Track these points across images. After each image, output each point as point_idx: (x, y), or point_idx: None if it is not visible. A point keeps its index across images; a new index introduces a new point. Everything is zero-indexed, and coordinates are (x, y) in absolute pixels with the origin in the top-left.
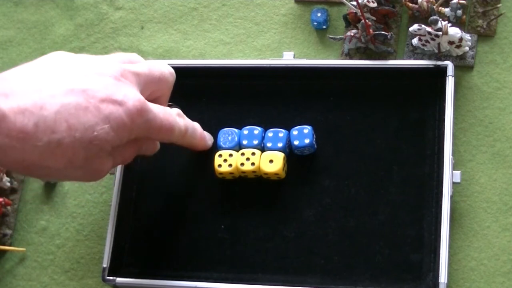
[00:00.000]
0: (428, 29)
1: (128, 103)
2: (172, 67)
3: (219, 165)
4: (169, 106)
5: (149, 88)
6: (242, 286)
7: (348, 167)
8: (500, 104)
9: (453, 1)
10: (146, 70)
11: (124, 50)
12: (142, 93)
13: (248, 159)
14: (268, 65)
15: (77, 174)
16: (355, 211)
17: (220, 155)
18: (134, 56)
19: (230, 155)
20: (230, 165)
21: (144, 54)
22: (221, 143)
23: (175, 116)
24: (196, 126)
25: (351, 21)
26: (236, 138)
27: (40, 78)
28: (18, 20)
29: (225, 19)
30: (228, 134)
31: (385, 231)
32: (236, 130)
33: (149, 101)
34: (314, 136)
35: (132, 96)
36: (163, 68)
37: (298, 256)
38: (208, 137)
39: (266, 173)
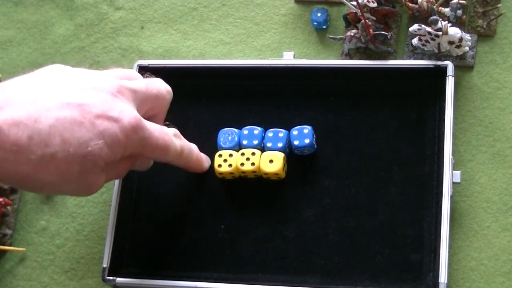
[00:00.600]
0: (428, 29)
1: (124, 120)
2: (172, 67)
3: (219, 165)
4: (166, 125)
5: (146, 105)
6: (242, 286)
7: (348, 167)
8: (500, 104)
9: (453, 1)
10: (143, 87)
11: (124, 50)
12: (138, 110)
13: (248, 159)
14: (268, 65)
15: (70, 188)
16: (355, 211)
17: (220, 155)
18: (132, 72)
19: (230, 155)
20: (230, 165)
21: (144, 54)
22: (221, 143)
23: (171, 136)
24: (193, 147)
25: (351, 21)
26: (236, 138)
27: (36, 90)
28: (18, 20)
29: (225, 19)
30: (228, 134)
31: (385, 231)
32: (236, 130)
33: (146, 118)
34: (314, 136)
35: (128, 113)
36: (160, 85)
37: (298, 256)
38: (205, 159)
39: (266, 173)
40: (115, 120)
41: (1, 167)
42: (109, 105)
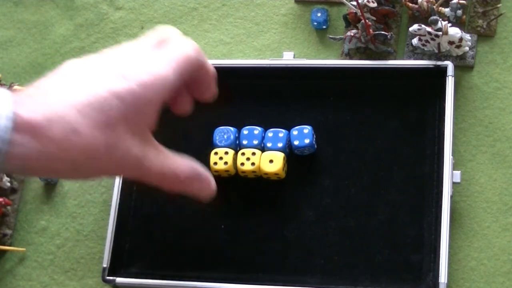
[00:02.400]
0: (428, 29)
1: (131, 72)
2: None
3: (215, 163)
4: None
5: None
6: (242, 286)
7: (348, 167)
8: (500, 104)
9: (453, 1)
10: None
11: None
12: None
13: (248, 159)
14: (268, 65)
15: (106, 166)
16: (355, 211)
17: (215, 153)
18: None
19: (226, 152)
20: (225, 163)
21: None
22: (217, 142)
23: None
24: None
25: (351, 21)
26: (232, 136)
27: (57, 87)
28: (18, 20)
29: (225, 19)
30: (223, 133)
31: (385, 231)
32: (232, 128)
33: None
34: (314, 136)
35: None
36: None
37: (298, 256)
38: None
39: (266, 173)
40: (124, 76)
41: (46, 162)
42: (120, 66)
